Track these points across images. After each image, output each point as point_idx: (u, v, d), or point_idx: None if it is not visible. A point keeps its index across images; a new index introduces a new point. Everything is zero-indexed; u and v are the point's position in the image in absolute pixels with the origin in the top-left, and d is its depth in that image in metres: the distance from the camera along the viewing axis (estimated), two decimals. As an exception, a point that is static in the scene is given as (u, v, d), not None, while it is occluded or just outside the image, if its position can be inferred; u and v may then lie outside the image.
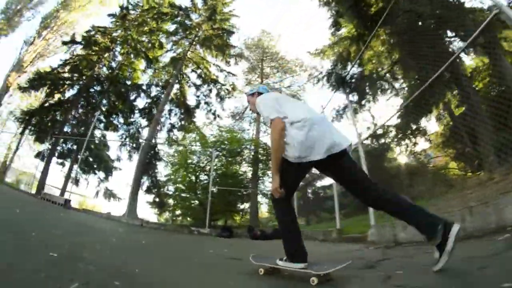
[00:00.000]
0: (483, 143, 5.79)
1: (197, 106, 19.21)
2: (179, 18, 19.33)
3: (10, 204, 6.16)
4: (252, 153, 16.65)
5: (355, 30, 11.87)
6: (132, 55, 19.76)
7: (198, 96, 19.30)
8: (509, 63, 6.78)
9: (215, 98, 19.28)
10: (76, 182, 17.75)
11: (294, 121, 2.07)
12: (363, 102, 12.28)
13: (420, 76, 8.66)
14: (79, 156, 13.52)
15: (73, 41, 20.08)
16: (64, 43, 20.85)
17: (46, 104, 18.01)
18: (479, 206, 2.98)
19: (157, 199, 17.92)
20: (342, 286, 1.88)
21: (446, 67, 4.16)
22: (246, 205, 17.32)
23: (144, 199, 18.04)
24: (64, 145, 18.15)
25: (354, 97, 11.81)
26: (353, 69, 11.17)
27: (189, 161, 14.90)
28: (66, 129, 18.14)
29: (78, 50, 20.18)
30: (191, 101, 19.94)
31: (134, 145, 18.11)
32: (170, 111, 18.97)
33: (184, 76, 19.36)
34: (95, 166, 19.04)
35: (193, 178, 14.66)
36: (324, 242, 6.16)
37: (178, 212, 16.50)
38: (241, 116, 20.39)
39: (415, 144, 13.95)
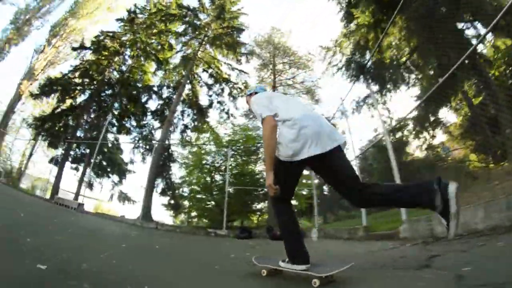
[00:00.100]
0: (505, 132, 5.52)
1: (210, 105, 18.80)
2: (187, 18, 19.04)
3: (19, 208, 5.72)
4: None
5: (371, 17, 11.31)
6: (142, 58, 19.53)
7: (210, 96, 18.90)
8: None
9: (227, 97, 18.81)
10: (90, 186, 17.71)
11: (286, 120, 2.07)
12: (383, 92, 11.63)
13: (441, 63, 8.28)
14: (92, 160, 13.17)
15: (82, 47, 19.94)
16: (74, 49, 20.80)
17: (58, 110, 17.88)
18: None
19: (172, 201, 17.66)
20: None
21: (470, 53, 3.95)
22: (262, 205, 16.78)
23: (159, 201, 17.97)
24: (77, 150, 18.09)
25: (375, 87, 11.19)
26: (372, 57, 10.55)
27: (204, 161, 14.55)
28: (78, 133, 18.08)
29: (88, 55, 20.12)
30: (203, 101, 19.61)
31: (147, 147, 17.80)
32: (182, 112, 18.64)
33: (196, 76, 18.99)
34: (108, 169, 18.90)
35: (208, 179, 14.33)
36: (349, 241, 5.87)
37: (193, 213, 16.18)
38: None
39: (433, 137, 13.72)
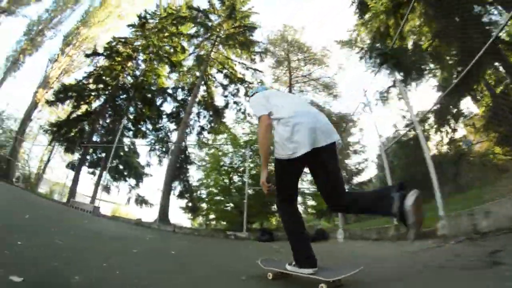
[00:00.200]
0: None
1: (226, 106, 18.38)
2: (198, 19, 18.72)
3: (29, 210, 5.38)
4: None
5: (390, 2, 10.90)
6: (155, 62, 19.43)
7: (226, 96, 18.44)
8: None
9: (243, 97, 18.30)
10: (107, 189, 17.62)
11: (280, 118, 2.06)
12: (409, 80, 10.89)
13: (463, 49, 7.68)
14: (108, 165, 12.90)
15: (95, 53, 19.94)
16: (87, 55, 20.86)
17: (74, 116, 17.90)
18: None
19: (190, 204, 17.22)
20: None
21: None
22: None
23: (177, 204, 17.56)
24: (94, 155, 17.97)
25: (399, 76, 10.45)
26: (395, 44, 9.88)
27: (222, 163, 14.24)
28: (95, 138, 18.05)
29: (101, 61, 20.23)
30: (219, 101, 19.22)
31: (164, 149, 17.58)
32: (198, 113, 18.30)
33: (210, 77, 18.65)
34: (125, 173, 18.66)
35: (226, 180, 13.98)
36: (379, 241, 5.50)
37: (212, 216, 15.70)
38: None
39: (454, 130, 12.82)
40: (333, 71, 19.40)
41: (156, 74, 19.51)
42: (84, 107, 18.32)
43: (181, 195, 17.45)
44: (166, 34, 19.10)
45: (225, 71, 18.47)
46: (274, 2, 53.63)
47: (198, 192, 16.72)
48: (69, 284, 1.49)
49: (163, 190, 13.24)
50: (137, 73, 19.73)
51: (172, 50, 19.18)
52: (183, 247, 4.58)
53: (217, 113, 18.19)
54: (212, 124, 18.17)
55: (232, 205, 13.65)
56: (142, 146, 19.29)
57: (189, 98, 17.37)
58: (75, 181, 15.62)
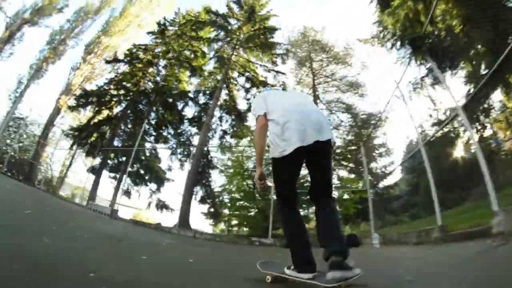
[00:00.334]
0: None
1: (249, 109, 17.60)
2: (218, 23, 18.41)
3: (39, 210, 4.98)
4: None
5: None
6: (175, 67, 19.23)
7: (248, 100, 17.80)
8: None
9: (267, 100, 17.55)
10: (128, 194, 17.58)
11: (273, 117, 2.07)
12: (445, 68, 9.94)
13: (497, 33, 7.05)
14: (129, 169, 12.51)
15: (115, 60, 20.00)
16: (107, 62, 21.05)
17: (95, 121, 17.85)
18: None
19: (212, 209, 16.77)
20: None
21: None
22: (308, 211, 15.15)
23: (198, 209, 17.09)
24: (115, 159, 17.92)
25: (433, 64, 9.53)
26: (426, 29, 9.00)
27: (245, 167, 14.01)
28: (116, 143, 17.92)
29: (122, 68, 20.23)
30: (241, 105, 18.61)
31: (185, 152, 17.18)
32: (220, 118, 17.78)
33: (232, 80, 18.16)
34: (146, 177, 18.44)
35: (251, 185, 13.55)
36: (420, 245, 5.02)
37: (234, 222, 15.37)
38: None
39: (484, 127, 12.03)
40: (357, 70, 18.36)
41: (178, 79, 19.31)
42: (105, 112, 18.28)
43: (202, 200, 16.99)
44: (186, 39, 18.87)
45: (246, 74, 17.96)
46: (292, 5, 53.54)
47: (220, 197, 16.40)
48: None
49: (184, 194, 12.73)
50: (158, 79, 19.60)
51: (192, 56, 18.92)
52: (203, 255, 4.01)
53: (240, 117, 17.63)
54: (235, 128, 17.65)
55: (256, 210, 13.19)
56: (163, 149, 19.04)
57: (211, 102, 16.93)
58: (96, 184, 15.47)
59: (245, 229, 14.90)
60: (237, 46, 17.97)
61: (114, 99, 18.41)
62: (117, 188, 15.34)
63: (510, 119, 10.90)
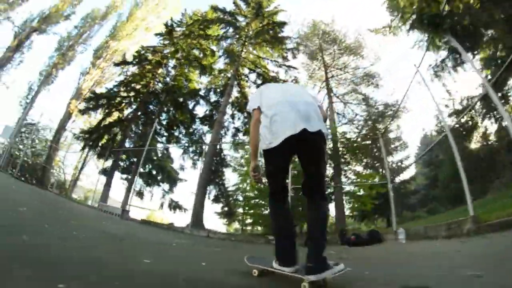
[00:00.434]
0: None
1: (260, 106, 17.23)
2: (226, 19, 18.04)
3: (47, 211, 4.68)
4: (330, 144, 14.26)
5: None
6: (185, 66, 19.00)
7: (260, 96, 17.30)
8: None
9: (278, 96, 17.13)
10: (140, 195, 17.43)
11: (264, 110, 2.07)
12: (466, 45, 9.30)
13: None
14: (140, 170, 12.21)
15: (124, 62, 19.85)
16: (116, 64, 20.88)
17: (106, 123, 17.69)
18: None
19: (225, 208, 16.47)
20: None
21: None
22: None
23: (212, 209, 16.76)
24: (126, 161, 17.85)
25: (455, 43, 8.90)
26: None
27: (260, 164, 13.08)
28: (127, 145, 17.75)
29: (132, 69, 20.03)
30: (253, 102, 18.07)
31: (198, 150, 16.80)
32: (233, 115, 17.41)
33: (243, 77, 17.72)
34: (158, 178, 18.24)
35: (266, 182, 12.71)
36: (450, 239, 4.63)
37: (248, 220, 15.06)
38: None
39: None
40: (370, 61, 17.75)
41: (187, 78, 19.04)
42: (116, 114, 18.13)
43: (216, 199, 16.65)
44: (194, 38, 18.53)
45: (257, 70, 17.50)
46: (299, 1, 52.88)
47: (234, 196, 16.06)
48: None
49: (196, 193, 12.28)
50: (168, 79, 19.40)
51: (201, 55, 18.66)
52: (217, 257, 3.56)
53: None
54: (247, 125, 17.02)
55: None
56: (175, 148, 18.94)
57: (222, 99, 16.56)
58: (108, 186, 15.25)
59: (259, 228, 14.53)
60: (246, 43, 17.54)
61: (125, 101, 18.23)
62: (128, 189, 15.07)
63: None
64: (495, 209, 5.68)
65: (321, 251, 1.81)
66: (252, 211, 13.86)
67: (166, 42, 19.61)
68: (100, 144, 17.27)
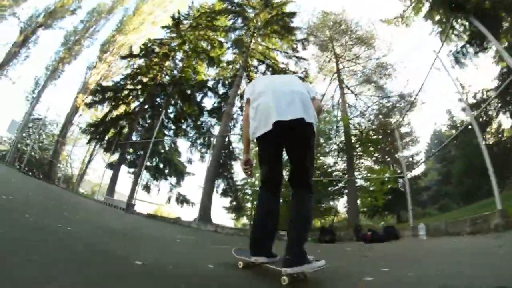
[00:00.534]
0: None
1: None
2: (234, 9, 17.56)
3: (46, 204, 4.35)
4: (342, 136, 13.77)
5: None
6: (192, 58, 18.56)
7: (270, 88, 16.83)
8: None
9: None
10: (147, 188, 17.22)
11: (251, 102, 2.07)
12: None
13: None
14: (147, 163, 11.86)
15: (131, 55, 19.55)
16: (123, 57, 20.75)
17: (113, 116, 17.46)
18: None
19: (234, 203, 16.06)
20: None
21: None
22: (337, 202, 15.17)
23: (220, 203, 16.35)
24: (133, 155, 17.65)
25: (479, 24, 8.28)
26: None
27: None
28: (134, 138, 17.50)
29: (138, 63, 19.78)
30: (263, 94, 17.63)
31: (205, 142, 16.45)
32: (241, 107, 16.55)
33: (252, 68, 17.19)
34: (166, 171, 17.91)
35: None
36: (476, 235, 4.25)
37: None
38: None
39: None
40: (382, 52, 17.11)
41: (195, 71, 18.65)
42: (122, 108, 17.87)
43: (224, 193, 16.26)
44: (202, 29, 18.08)
45: (267, 61, 16.96)
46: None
47: (243, 190, 15.69)
48: None
49: (204, 187, 11.97)
50: (175, 72, 19.04)
51: (209, 47, 18.22)
52: (225, 256, 3.00)
53: (262, 106, 16.63)
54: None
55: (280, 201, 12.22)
56: (182, 141, 18.71)
57: (231, 91, 16.08)
58: (114, 180, 15.03)
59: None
60: (255, 34, 17.01)
61: (131, 94, 17.99)
62: (135, 183, 14.75)
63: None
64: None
65: (300, 245, 1.76)
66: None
67: (173, 35, 19.21)
68: (106, 138, 17.02)
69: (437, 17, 9.72)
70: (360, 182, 13.76)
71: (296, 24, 17.23)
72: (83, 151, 22.17)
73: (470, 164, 16.40)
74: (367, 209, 15.76)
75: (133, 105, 18.00)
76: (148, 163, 16.33)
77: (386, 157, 17.09)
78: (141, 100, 18.03)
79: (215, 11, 17.97)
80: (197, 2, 20.44)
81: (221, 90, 17.58)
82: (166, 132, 17.77)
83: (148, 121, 17.94)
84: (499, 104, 13.82)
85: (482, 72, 11.92)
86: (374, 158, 16.50)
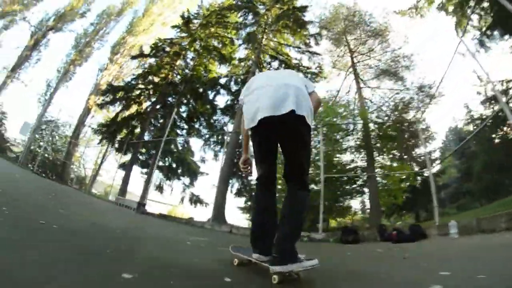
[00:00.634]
0: None
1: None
2: (244, 6, 17.08)
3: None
4: (361, 131, 13.21)
5: None
6: (203, 56, 18.25)
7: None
8: None
9: (303, 84, 16.18)
10: (160, 189, 17.02)
11: (245, 99, 2.03)
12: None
13: None
14: (160, 163, 11.51)
15: (141, 54, 19.33)
16: (133, 57, 20.60)
17: (124, 116, 17.28)
18: None
19: (249, 203, 15.52)
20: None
21: None
22: (354, 201, 14.67)
23: (234, 203, 15.90)
24: (146, 155, 17.47)
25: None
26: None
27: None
28: (146, 138, 17.21)
29: (150, 61, 19.54)
30: (277, 90, 17.19)
31: (219, 140, 16.12)
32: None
33: (264, 64, 16.73)
34: (179, 171, 17.62)
35: None
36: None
37: None
38: (334, 99, 16.78)
39: None
40: (397, 44, 16.47)
41: (206, 69, 18.30)
42: (134, 107, 17.67)
43: (239, 193, 15.90)
44: (212, 26, 17.74)
45: (279, 57, 16.47)
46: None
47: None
48: None
49: (218, 186, 11.62)
50: (186, 71, 18.69)
51: (220, 45, 17.90)
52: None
53: (276, 102, 16.17)
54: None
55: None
56: (195, 140, 18.86)
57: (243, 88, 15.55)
58: (126, 180, 14.84)
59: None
60: (266, 30, 16.55)
61: (143, 94, 17.78)
62: (147, 183, 14.50)
63: None
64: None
65: (292, 242, 1.72)
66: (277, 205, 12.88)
67: (184, 34, 18.94)
68: (118, 138, 16.83)
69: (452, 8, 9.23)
70: (378, 180, 13.21)
71: (308, 18, 16.72)
72: (95, 152, 22.37)
73: (490, 160, 15.73)
74: (385, 208, 15.21)
75: (145, 105, 17.82)
76: (161, 163, 16.09)
77: (403, 154, 16.43)
78: (153, 100, 17.82)
79: (225, 7, 17.63)
80: (206, 1, 20.07)
81: (234, 88, 17.19)
82: (178, 131, 17.53)
83: (160, 121, 17.69)
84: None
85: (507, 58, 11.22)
86: (390, 156, 15.90)
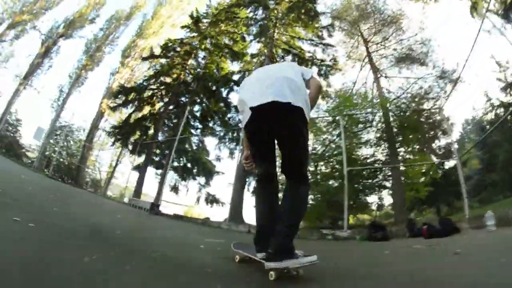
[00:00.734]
0: None
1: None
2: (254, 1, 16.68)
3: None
4: (381, 122, 12.64)
5: None
6: (215, 53, 17.84)
7: (298, 78, 15.93)
8: None
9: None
10: (175, 189, 16.78)
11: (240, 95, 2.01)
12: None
13: None
14: (174, 163, 11.23)
15: (152, 55, 19.03)
16: (144, 58, 20.33)
17: (139, 116, 17.23)
18: None
19: None
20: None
21: None
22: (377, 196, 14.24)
23: (252, 202, 15.45)
24: (160, 156, 17.30)
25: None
26: None
27: None
28: (160, 138, 17.15)
29: (161, 62, 19.33)
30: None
31: (234, 136, 15.55)
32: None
33: (278, 59, 16.16)
34: (194, 171, 17.36)
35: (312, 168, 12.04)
36: None
37: None
38: (351, 91, 16.12)
39: None
40: (413, 31, 15.80)
41: (218, 67, 17.94)
42: (147, 109, 17.54)
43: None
44: (222, 23, 17.37)
45: (293, 51, 15.98)
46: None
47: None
48: None
49: (234, 184, 11.12)
50: (198, 70, 18.39)
51: (231, 42, 17.53)
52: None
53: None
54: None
55: (317, 195, 11.36)
56: (210, 139, 18.62)
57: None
58: (141, 181, 14.70)
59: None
60: (278, 24, 16.10)
61: (156, 95, 17.66)
62: (161, 183, 14.31)
63: None
64: None
65: (286, 239, 1.66)
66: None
67: (194, 34, 18.68)
68: (132, 140, 16.73)
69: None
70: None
71: (319, 9, 16.37)
72: (110, 155, 22.56)
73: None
74: (407, 203, 14.60)
75: (158, 106, 17.66)
76: (176, 163, 15.88)
77: (425, 146, 15.71)
78: (165, 100, 17.67)
79: (234, 4, 17.21)
80: (214, 0, 19.76)
81: (247, 83, 16.65)
82: (193, 131, 17.32)
83: (174, 121, 17.47)
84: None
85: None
86: (410, 149, 15.23)
